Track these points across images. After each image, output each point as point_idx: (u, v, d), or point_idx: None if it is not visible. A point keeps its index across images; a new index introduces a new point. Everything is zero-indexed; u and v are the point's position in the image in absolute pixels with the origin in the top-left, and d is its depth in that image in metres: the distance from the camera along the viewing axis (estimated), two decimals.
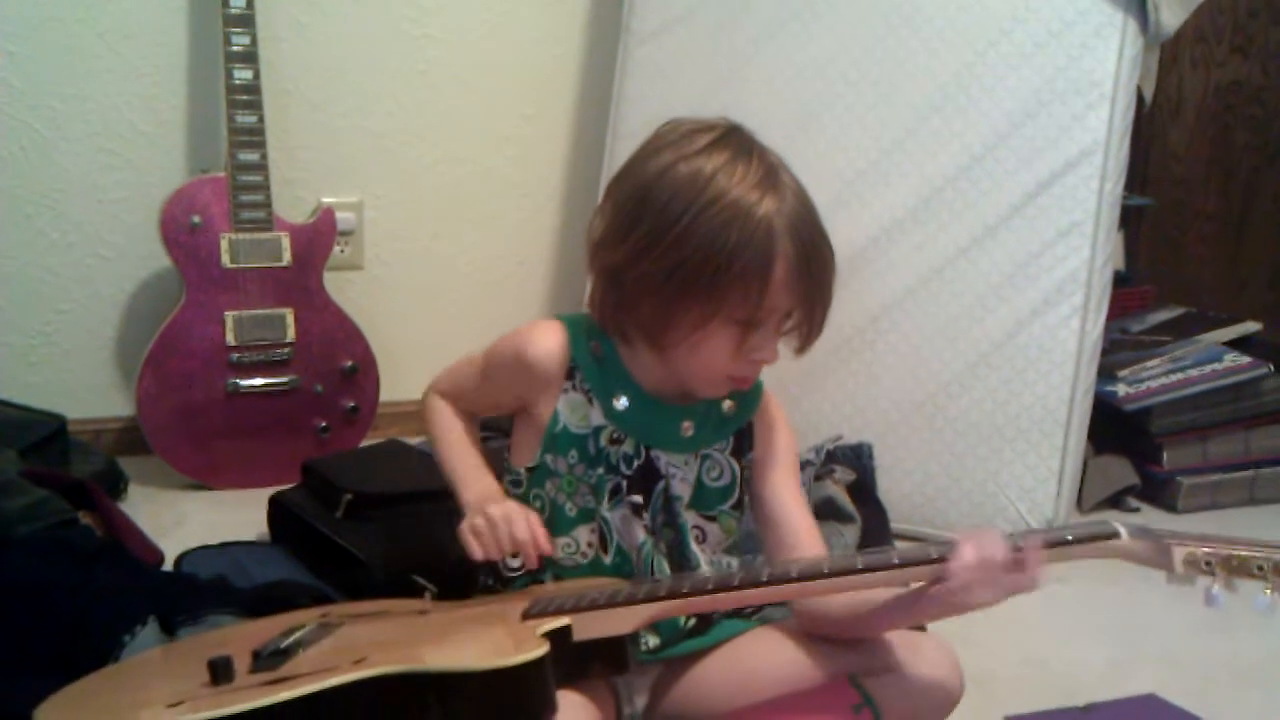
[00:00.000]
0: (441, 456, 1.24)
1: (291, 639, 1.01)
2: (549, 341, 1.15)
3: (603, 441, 1.14)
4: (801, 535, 1.17)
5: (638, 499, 1.15)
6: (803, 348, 1.13)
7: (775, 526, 1.19)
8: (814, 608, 1.12)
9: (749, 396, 1.18)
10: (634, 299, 1.09)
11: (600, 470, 1.15)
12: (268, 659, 0.97)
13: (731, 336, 1.07)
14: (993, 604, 0.98)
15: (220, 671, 0.93)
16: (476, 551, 1.09)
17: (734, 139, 1.09)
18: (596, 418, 1.14)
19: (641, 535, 1.15)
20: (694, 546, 1.16)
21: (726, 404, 1.17)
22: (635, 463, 1.15)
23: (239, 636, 1.09)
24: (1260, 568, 0.95)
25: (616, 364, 1.15)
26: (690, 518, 1.17)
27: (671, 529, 1.17)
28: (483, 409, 1.28)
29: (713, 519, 1.18)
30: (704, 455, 1.17)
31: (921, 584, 1.02)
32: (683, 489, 1.16)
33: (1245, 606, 0.95)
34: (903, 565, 1.00)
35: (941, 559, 0.98)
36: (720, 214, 1.04)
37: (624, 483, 1.15)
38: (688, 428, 1.16)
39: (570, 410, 1.15)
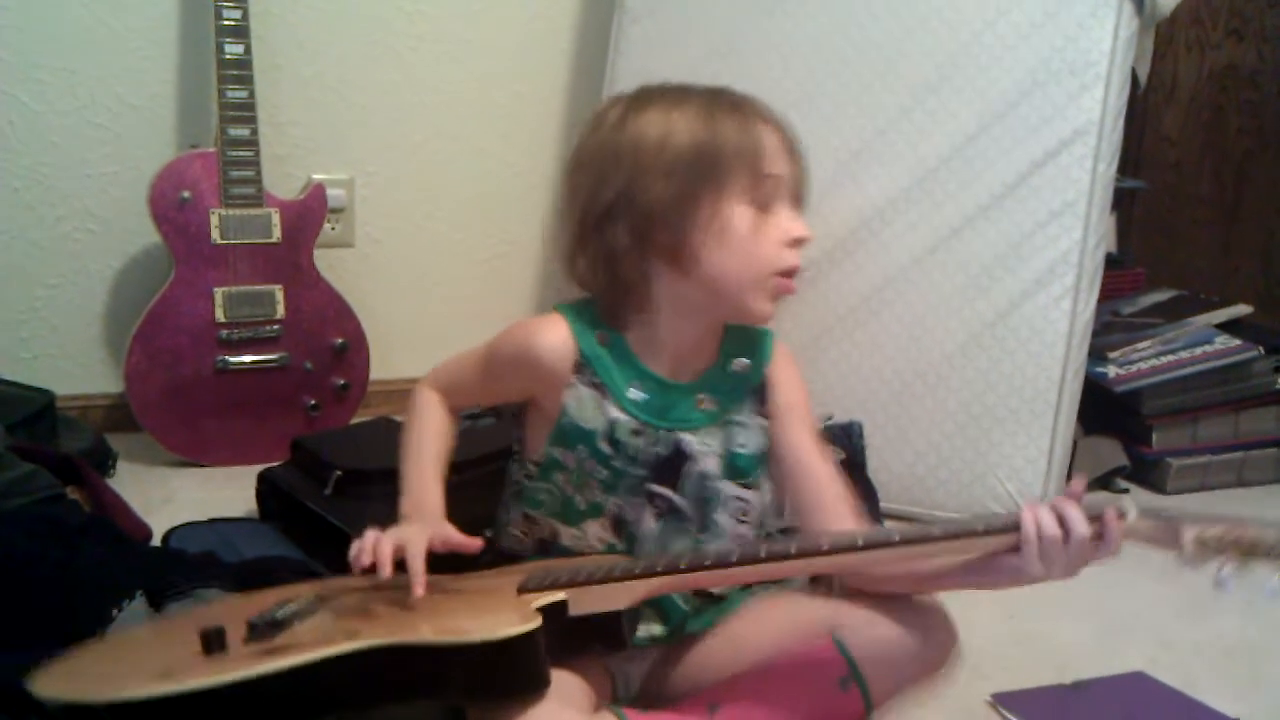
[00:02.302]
0: (403, 454, 1.22)
1: (286, 610, 1.00)
2: (554, 337, 1.13)
3: (621, 435, 1.12)
4: (824, 486, 1.16)
5: (658, 488, 1.13)
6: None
7: (796, 478, 1.17)
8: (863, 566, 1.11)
9: (759, 352, 1.18)
10: (644, 229, 1.08)
11: (618, 463, 1.12)
12: (263, 629, 0.97)
13: (749, 216, 1.08)
14: (1066, 576, 0.99)
15: (213, 641, 0.93)
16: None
17: (661, 85, 1.14)
18: (612, 411, 1.12)
19: (654, 524, 1.14)
20: (721, 523, 1.15)
21: (737, 364, 1.17)
22: (658, 451, 1.13)
23: (231, 609, 1.08)
24: (1272, 550, 0.92)
25: (624, 351, 1.14)
26: (729, 489, 1.16)
27: (701, 507, 1.15)
28: (487, 402, 1.26)
29: (751, 486, 1.17)
30: (727, 422, 1.16)
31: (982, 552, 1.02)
32: (712, 464, 1.15)
33: (1241, 587, 0.94)
34: (987, 533, 0.99)
35: (1016, 528, 0.98)
36: (695, 118, 1.08)
37: (649, 473, 1.13)
38: (704, 401, 1.15)
39: (579, 405, 1.12)
